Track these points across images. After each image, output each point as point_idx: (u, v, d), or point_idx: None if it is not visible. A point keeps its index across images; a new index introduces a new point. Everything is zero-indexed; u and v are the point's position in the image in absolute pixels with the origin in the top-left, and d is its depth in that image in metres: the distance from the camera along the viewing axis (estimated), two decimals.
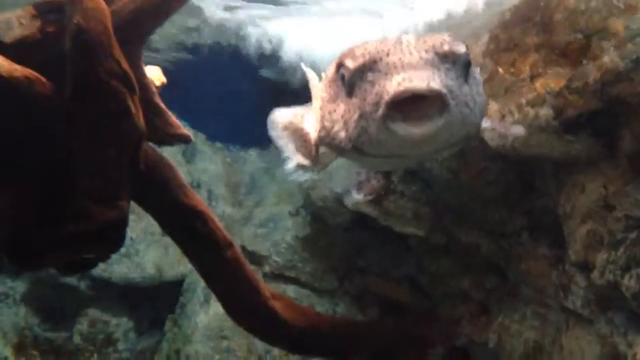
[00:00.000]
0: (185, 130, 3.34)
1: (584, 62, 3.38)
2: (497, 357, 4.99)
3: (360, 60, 1.98)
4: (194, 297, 6.95)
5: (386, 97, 1.84)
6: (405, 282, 6.20)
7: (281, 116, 2.73)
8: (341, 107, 2.08)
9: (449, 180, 4.94)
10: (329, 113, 2.16)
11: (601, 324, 3.83)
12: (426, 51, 1.91)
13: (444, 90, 1.83)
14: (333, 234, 6.64)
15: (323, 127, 2.21)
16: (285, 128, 2.70)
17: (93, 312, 7.16)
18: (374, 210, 5.74)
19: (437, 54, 1.91)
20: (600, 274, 3.61)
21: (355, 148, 2.07)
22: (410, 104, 1.82)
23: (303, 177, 3.00)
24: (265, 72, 7.72)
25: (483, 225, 5.03)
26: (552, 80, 3.50)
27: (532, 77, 3.61)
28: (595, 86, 3.33)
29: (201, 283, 6.14)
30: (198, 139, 7.82)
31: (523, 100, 3.63)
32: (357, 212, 5.91)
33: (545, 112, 3.54)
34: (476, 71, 2.19)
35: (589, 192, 3.72)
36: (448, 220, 5.33)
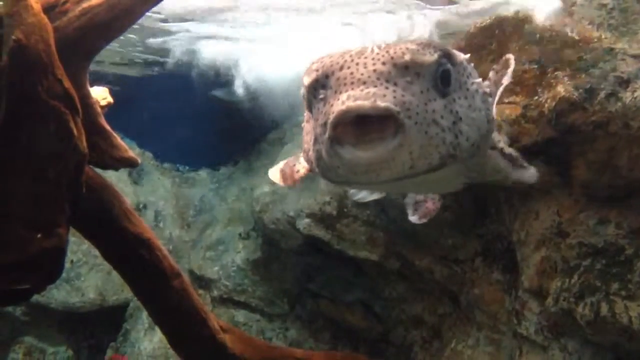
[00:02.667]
0: (132, 153, 3.17)
1: (539, 91, 3.40)
2: None
3: (313, 76, 1.81)
4: (138, 323, 6.69)
5: (331, 118, 1.65)
6: (357, 306, 6.11)
7: None
8: (309, 128, 1.93)
9: (403, 204, 4.90)
10: (306, 134, 2.01)
11: (555, 351, 3.82)
12: (383, 63, 1.70)
13: (396, 108, 1.62)
14: (285, 257, 6.51)
15: (303, 150, 2.05)
16: None
17: (29, 340, 6.79)
18: (327, 234, 5.66)
19: (395, 65, 1.70)
20: (555, 301, 3.61)
21: (321, 174, 1.88)
22: (364, 125, 1.63)
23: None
24: (217, 92, 7.58)
25: (437, 250, 5.01)
26: (508, 108, 3.51)
27: None
28: (549, 115, 3.36)
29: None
30: (145, 158, 7.59)
31: None
32: (310, 236, 5.81)
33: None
34: (472, 82, 1.95)
35: (543, 219, 3.73)
36: (402, 245, 5.29)
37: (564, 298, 3.55)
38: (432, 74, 1.76)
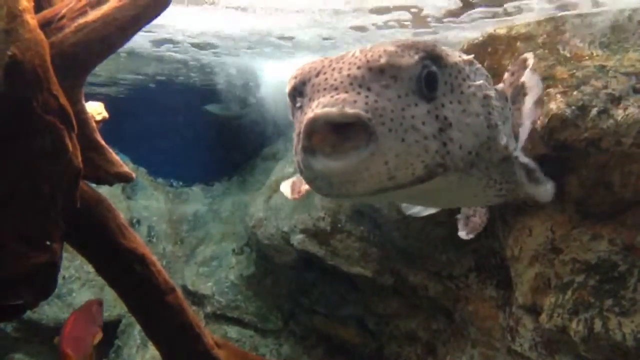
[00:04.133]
0: (127, 168, 3.17)
1: None
2: None
3: (292, 83, 1.72)
4: (130, 340, 6.63)
5: (302, 127, 1.56)
6: (351, 322, 6.09)
7: None
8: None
9: (397, 220, 4.91)
10: None
11: None
12: (358, 67, 1.59)
13: (367, 115, 1.50)
14: (279, 273, 6.49)
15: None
16: None
17: (20, 357, 6.72)
18: (321, 250, 5.65)
19: (370, 69, 1.58)
20: (548, 317, 3.60)
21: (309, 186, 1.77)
22: (342, 134, 1.52)
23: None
24: (210, 107, 7.61)
25: (431, 266, 5.01)
26: None
27: None
28: (542, 132, 3.37)
29: (138, 325, 5.86)
30: (139, 174, 7.59)
31: None
32: (304, 251, 5.80)
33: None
34: (469, 84, 1.78)
35: (536, 235, 3.74)
36: (396, 261, 5.29)
37: (557, 314, 3.55)
38: (412, 78, 1.63)
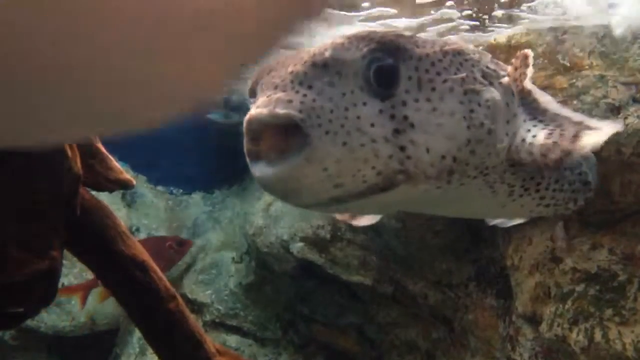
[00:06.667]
0: (127, 175, 3.16)
1: None
2: None
3: (249, 84, 1.58)
4: (129, 348, 6.60)
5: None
6: (351, 331, 6.07)
7: None
8: None
9: (397, 229, 4.90)
10: None
11: None
12: (304, 62, 1.44)
13: (300, 115, 1.35)
14: (278, 281, 6.48)
15: None
16: None
17: None
18: (321, 258, 5.64)
19: (314, 64, 1.43)
20: (548, 326, 3.61)
21: None
22: (288, 139, 1.38)
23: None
24: (213, 115, 7.60)
25: (431, 274, 5.00)
26: None
27: None
28: None
29: (137, 333, 5.85)
30: (139, 181, 7.58)
31: None
32: (303, 260, 5.79)
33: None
34: (444, 78, 1.54)
35: (536, 244, 3.75)
36: (396, 269, 5.28)
37: (557, 324, 3.55)
38: (359, 73, 1.45)
